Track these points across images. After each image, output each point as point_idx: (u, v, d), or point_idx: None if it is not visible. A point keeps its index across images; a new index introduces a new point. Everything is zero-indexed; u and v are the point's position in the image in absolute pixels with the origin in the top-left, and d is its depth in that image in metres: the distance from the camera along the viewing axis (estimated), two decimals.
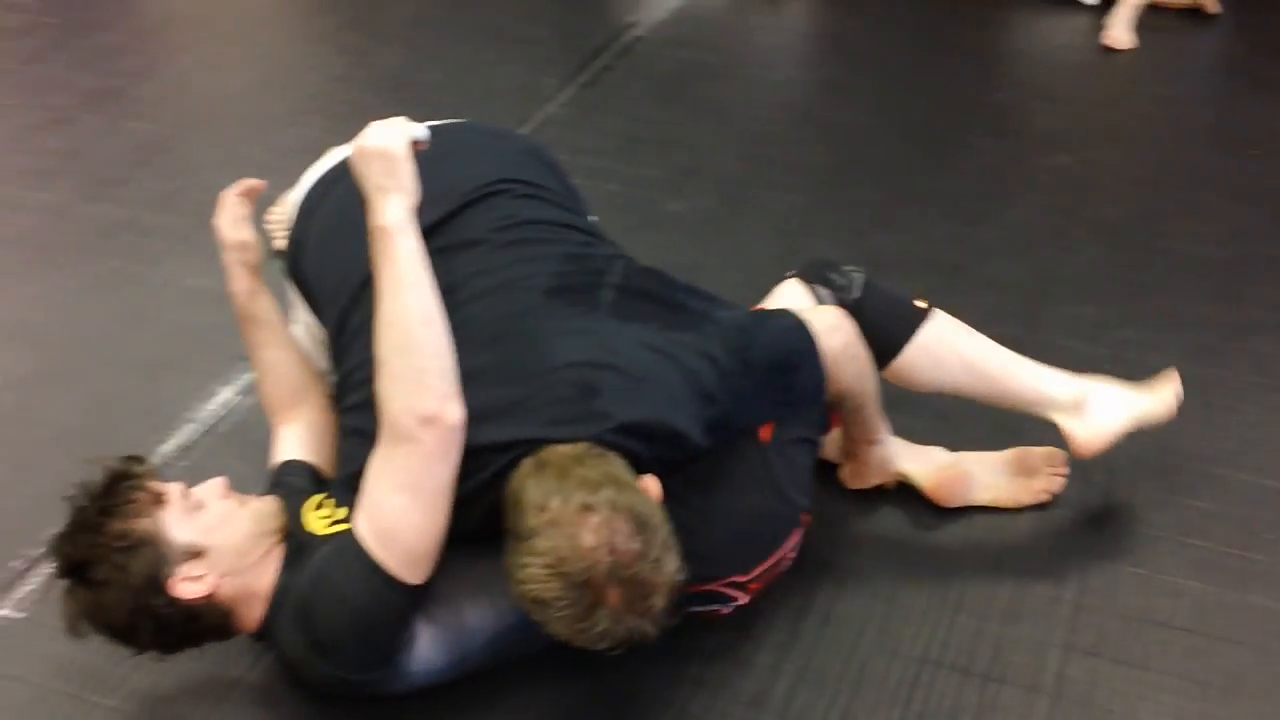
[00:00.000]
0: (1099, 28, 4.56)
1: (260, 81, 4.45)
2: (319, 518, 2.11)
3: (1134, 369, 2.83)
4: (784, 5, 4.92)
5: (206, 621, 2.05)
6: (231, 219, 2.38)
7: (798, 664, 2.22)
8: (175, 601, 1.99)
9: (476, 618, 2.07)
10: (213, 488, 2.11)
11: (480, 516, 1.97)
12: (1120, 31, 4.50)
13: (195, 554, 2.01)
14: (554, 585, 1.81)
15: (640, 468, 1.98)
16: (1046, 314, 3.09)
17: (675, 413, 2.03)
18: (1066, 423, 2.39)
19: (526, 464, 1.92)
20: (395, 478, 1.94)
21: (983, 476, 2.51)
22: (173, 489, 2.06)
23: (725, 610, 2.21)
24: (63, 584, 2.02)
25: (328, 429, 2.37)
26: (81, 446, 2.75)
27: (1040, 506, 2.51)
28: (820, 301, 2.32)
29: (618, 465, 1.93)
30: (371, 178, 2.05)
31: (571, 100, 4.21)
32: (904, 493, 2.54)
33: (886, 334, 2.33)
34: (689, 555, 2.12)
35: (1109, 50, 4.49)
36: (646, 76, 4.38)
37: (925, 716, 2.12)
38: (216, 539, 2.03)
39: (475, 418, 1.96)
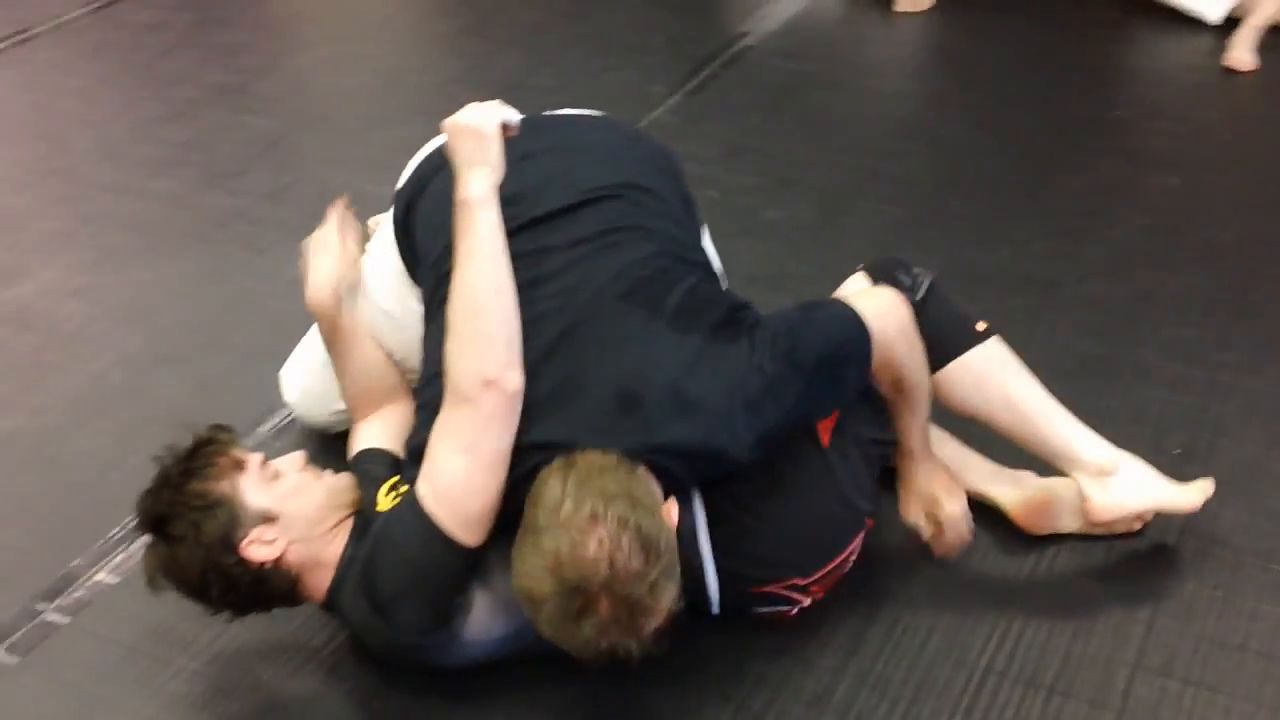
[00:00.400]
0: (1221, 48, 4.48)
1: (376, 82, 4.56)
2: (390, 500, 2.17)
3: (1229, 393, 2.82)
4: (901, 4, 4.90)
5: (274, 585, 2.12)
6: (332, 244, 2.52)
7: (861, 667, 2.23)
8: (245, 563, 2.08)
9: None
10: (292, 460, 2.21)
11: (513, 513, 2.00)
12: (1242, 52, 4.43)
13: (268, 519, 2.10)
14: (548, 584, 1.85)
15: (683, 483, 2.01)
16: (1143, 334, 3.06)
17: (717, 434, 2.03)
18: (1087, 484, 2.34)
19: (557, 461, 1.96)
20: (455, 439, 2.01)
21: (1073, 503, 2.43)
22: (253, 457, 2.16)
23: (791, 611, 2.23)
24: (145, 541, 2.13)
25: (408, 421, 2.41)
26: (185, 421, 2.86)
27: (1128, 534, 2.47)
28: None
29: (643, 484, 1.96)
30: (461, 152, 2.12)
31: (678, 107, 4.25)
32: (982, 510, 2.52)
33: (938, 344, 2.31)
34: (749, 558, 2.17)
35: (1230, 71, 4.41)
36: (754, 86, 4.41)
37: None
38: (289, 506, 2.12)
39: (521, 416, 2.02)
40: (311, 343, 2.68)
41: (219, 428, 2.19)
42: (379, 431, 2.45)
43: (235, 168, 3.96)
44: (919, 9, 4.88)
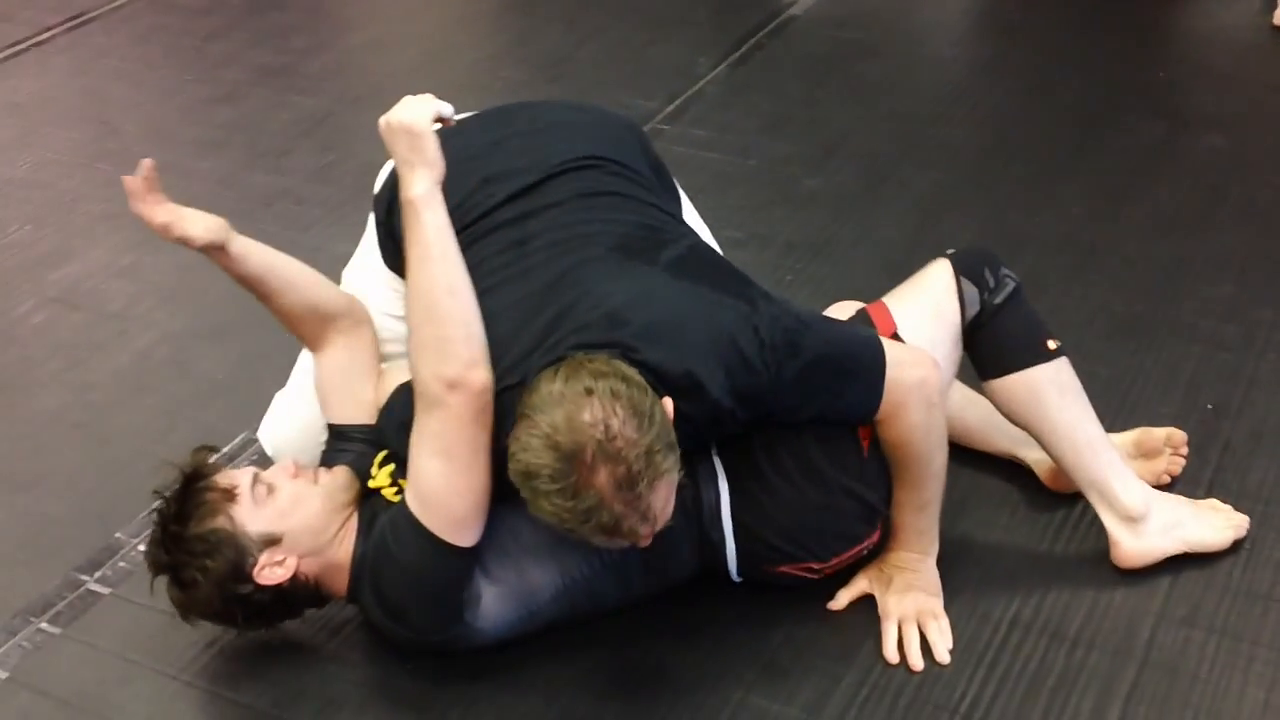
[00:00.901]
0: (1271, 7, 4.42)
1: (421, 60, 4.59)
2: (384, 475, 2.19)
3: (1264, 349, 2.80)
4: None
5: (297, 597, 2.16)
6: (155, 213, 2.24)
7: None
8: (262, 588, 2.11)
9: (541, 574, 2.14)
10: (283, 469, 2.18)
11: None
12: None
13: (273, 541, 2.10)
14: (545, 457, 1.84)
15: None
16: (1182, 293, 3.03)
17: (701, 364, 1.99)
18: (1115, 529, 2.28)
19: (547, 369, 1.95)
20: (430, 444, 1.99)
21: None
22: (243, 481, 2.13)
23: (815, 576, 2.24)
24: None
25: (368, 354, 2.36)
26: (226, 399, 2.93)
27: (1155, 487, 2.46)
28: (962, 295, 2.26)
29: (635, 372, 1.92)
30: (397, 152, 2.08)
31: (722, 79, 4.25)
32: (1010, 468, 2.52)
33: (1006, 351, 2.26)
34: (768, 541, 2.18)
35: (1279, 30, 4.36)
36: (798, 56, 4.40)
37: (1009, 678, 2.13)
38: (291, 523, 2.12)
39: (518, 363, 2.02)
40: (286, 400, 2.62)
41: (203, 450, 2.20)
42: (342, 392, 2.35)
43: (281, 147, 4.01)
44: None
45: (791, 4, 4.74)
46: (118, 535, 2.59)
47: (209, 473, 2.14)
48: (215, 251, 2.25)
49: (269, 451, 2.64)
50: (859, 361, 2.09)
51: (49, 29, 4.85)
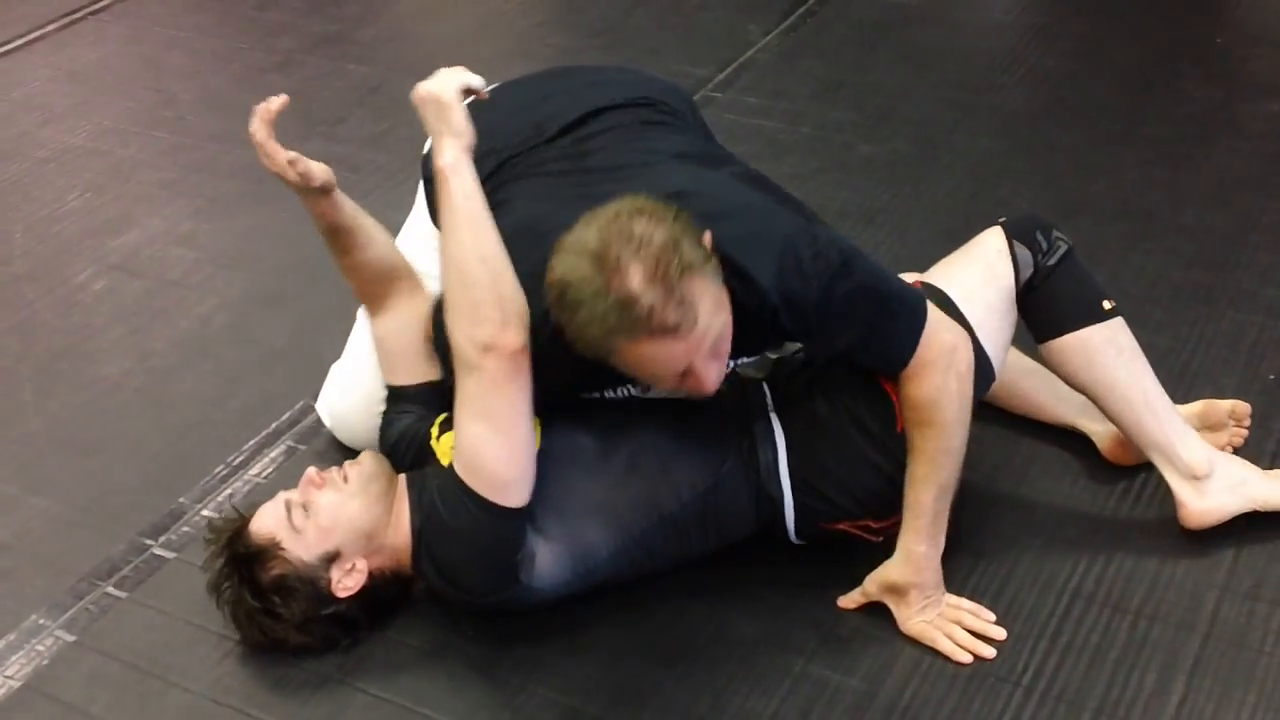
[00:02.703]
0: None
1: (473, 27, 4.59)
2: (444, 443, 2.21)
3: None
4: None
5: (387, 592, 2.21)
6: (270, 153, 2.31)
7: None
8: (348, 600, 2.15)
9: (597, 532, 2.15)
10: (308, 485, 2.19)
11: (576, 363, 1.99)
12: None
13: (333, 557, 2.14)
14: (575, 263, 1.85)
15: None
16: (1241, 261, 3.01)
17: (755, 252, 1.98)
18: (1180, 488, 2.26)
19: None
20: (470, 407, 2.02)
21: None
22: (277, 514, 2.15)
23: (877, 538, 2.24)
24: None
25: (422, 314, 2.39)
26: (286, 365, 2.96)
27: None
28: (1016, 259, 2.25)
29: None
30: (428, 121, 2.10)
31: (774, 45, 4.23)
32: (1070, 438, 2.52)
33: (1061, 312, 2.26)
34: (826, 496, 2.19)
35: None
36: (851, 21, 4.37)
37: (1072, 650, 2.12)
38: (340, 536, 2.15)
39: None
40: (343, 371, 2.66)
41: (226, 522, 2.23)
42: (404, 353, 2.39)
43: (336, 115, 4.02)
44: None
45: None
46: (181, 500, 2.62)
47: (244, 527, 2.18)
48: (321, 197, 2.31)
49: (327, 423, 2.67)
50: (903, 304, 2.09)
51: None
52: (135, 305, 3.24)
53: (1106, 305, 2.27)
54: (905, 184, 3.47)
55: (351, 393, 2.60)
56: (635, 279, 1.82)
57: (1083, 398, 2.41)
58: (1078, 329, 2.25)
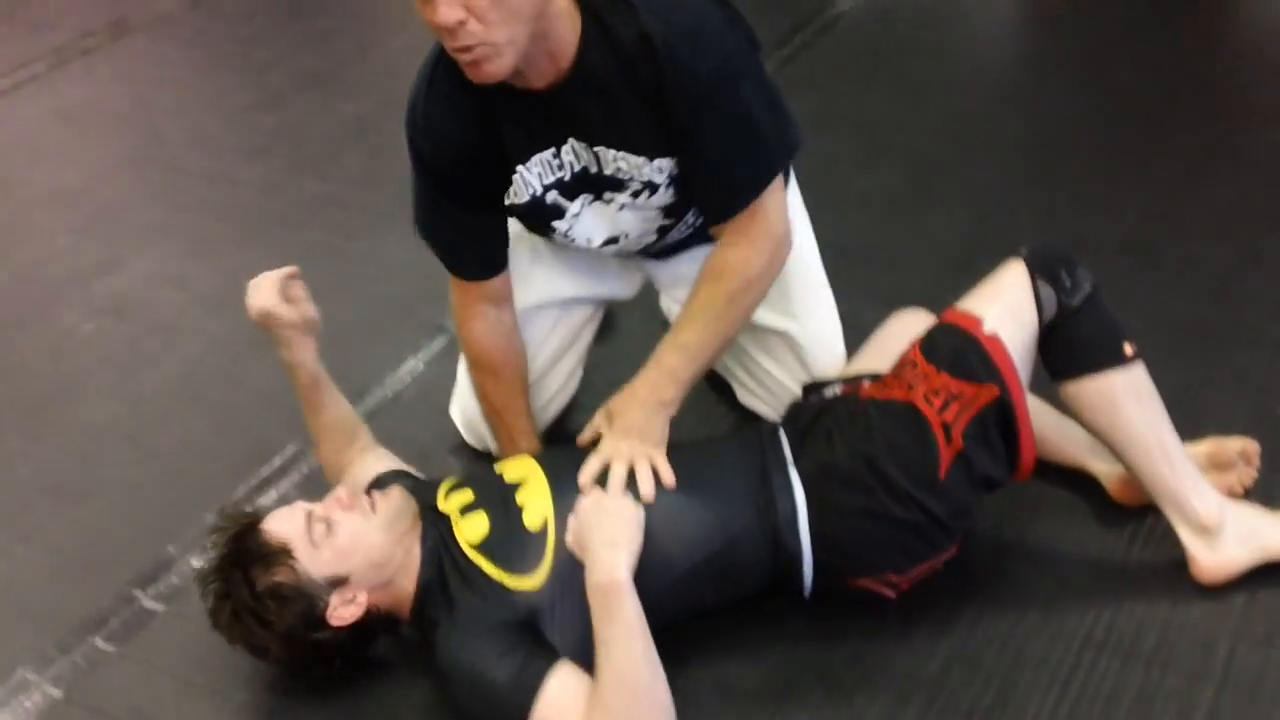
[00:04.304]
0: None
1: None
2: (455, 501, 2.19)
3: None
4: None
5: (373, 629, 2.16)
6: (293, 297, 2.36)
7: (956, 642, 2.18)
8: (338, 630, 2.09)
9: None
10: (336, 503, 2.13)
11: None
12: None
13: (339, 582, 2.08)
14: None
15: None
16: (1244, 295, 2.96)
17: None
18: (1192, 542, 2.21)
19: None
20: None
21: None
22: (296, 522, 2.09)
23: (890, 593, 2.19)
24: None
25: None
26: (276, 409, 2.91)
27: None
28: (1039, 296, 2.18)
29: None
30: (603, 531, 2.04)
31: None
32: (1078, 479, 2.47)
33: (1082, 353, 2.20)
34: (847, 553, 2.15)
35: None
36: (846, 53, 4.35)
37: (1084, 699, 2.07)
38: (354, 560, 2.08)
39: None
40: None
41: (236, 508, 2.21)
42: (376, 459, 2.42)
43: (326, 152, 3.99)
44: None
45: (837, 1, 4.68)
46: (170, 549, 2.57)
47: (257, 523, 2.12)
48: (310, 338, 2.39)
49: (460, 425, 2.72)
50: (765, 146, 2.19)
51: (93, 35, 4.85)
52: (124, 348, 3.19)
53: (1128, 350, 2.20)
54: (904, 217, 3.43)
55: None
56: None
57: (1090, 437, 2.37)
58: (1098, 373, 2.19)
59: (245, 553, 2.08)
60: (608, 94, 2.12)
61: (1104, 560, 2.33)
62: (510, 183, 2.26)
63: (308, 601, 2.06)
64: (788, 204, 2.28)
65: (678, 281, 2.50)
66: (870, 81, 4.17)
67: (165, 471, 2.79)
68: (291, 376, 2.41)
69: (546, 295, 2.56)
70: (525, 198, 2.27)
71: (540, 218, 2.33)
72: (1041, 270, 2.19)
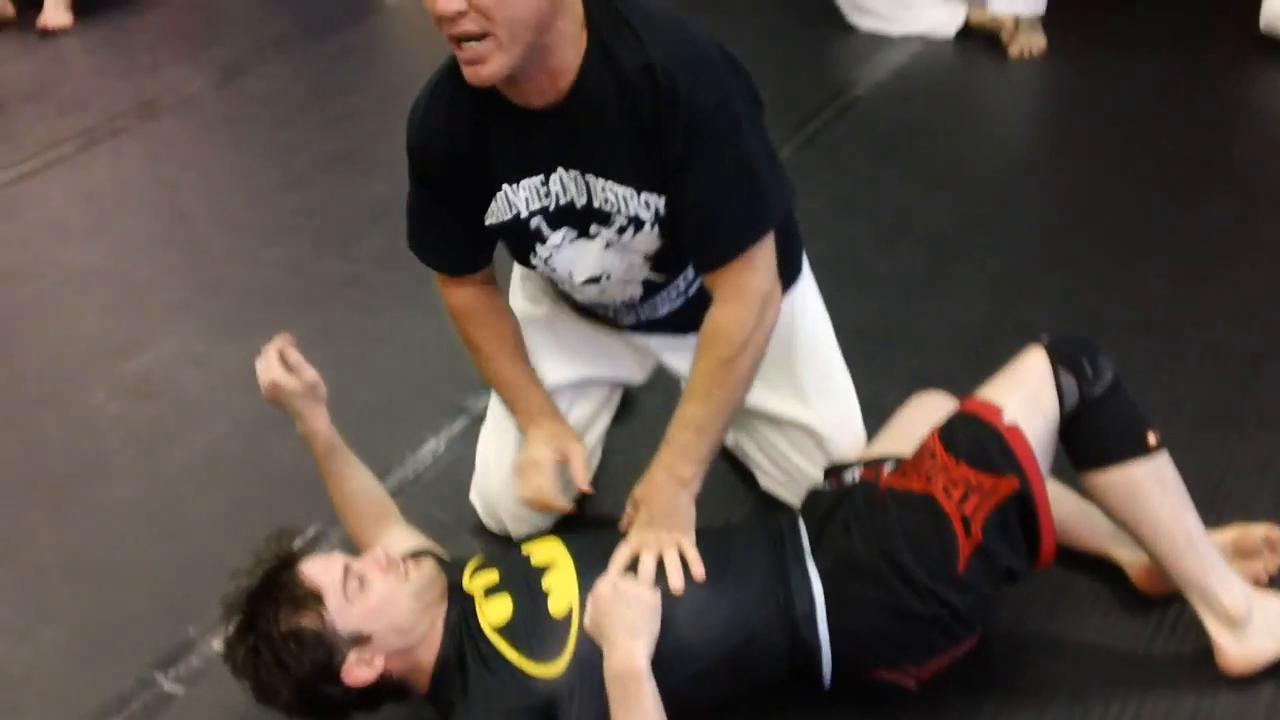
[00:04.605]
0: None
1: None
2: (480, 581, 2.19)
3: None
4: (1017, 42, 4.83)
5: (381, 694, 2.14)
6: (294, 363, 2.38)
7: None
8: (349, 688, 2.08)
9: None
10: (373, 562, 2.14)
11: None
12: None
13: (362, 640, 2.07)
14: None
15: None
16: (1267, 379, 2.96)
17: (653, 30, 2.09)
18: (1219, 633, 2.20)
19: None
20: None
21: None
22: (334, 573, 2.09)
23: (910, 684, 2.18)
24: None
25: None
26: (297, 489, 2.91)
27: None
28: (1061, 386, 2.17)
29: None
30: (624, 618, 2.05)
31: (788, 160, 4.14)
32: (1101, 566, 2.45)
33: (1105, 444, 2.18)
34: (866, 646, 2.14)
35: None
36: (864, 135, 4.38)
37: None
38: (381, 622, 2.07)
39: None
40: (486, 449, 2.70)
41: (284, 538, 2.19)
42: (408, 534, 2.43)
43: (350, 233, 4.02)
44: (1033, 53, 4.81)
45: (855, 84, 4.73)
46: (190, 630, 2.57)
47: (295, 563, 2.12)
48: (321, 405, 2.39)
49: (480, 510, 2.72)
50: (768, 188, 2.18)
51: (122, 117, 4.92)
52: (148, 428, 3.21)
53: (1152, 440, 2.19)
54: (923, 299, 3.44)
55: (501, 469, 2.61)
56: None
57: (1112, 525, 2.36)
58: (1122, 463, 2.17)
59: (278, 589, 2.08)
60: (604, 120, 2.13)
61: (1128, 650, 2.31)
62: (493, 199, 2.27)
63: (327, 652, 2.05)
64: (775, 265, 2.25)
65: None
66: (888, 163, 4.20)
67: (186, 552, 2.80)
68: (310, 447, 2.41)
69: (558, 379, 2.57)
70: (507, 217, 2.27)
71: (521, 240, 2.32)
72: (1063, 359, 2.18)
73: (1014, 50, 4.82)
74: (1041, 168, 4.12)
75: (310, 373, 2.36)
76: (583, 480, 2.38)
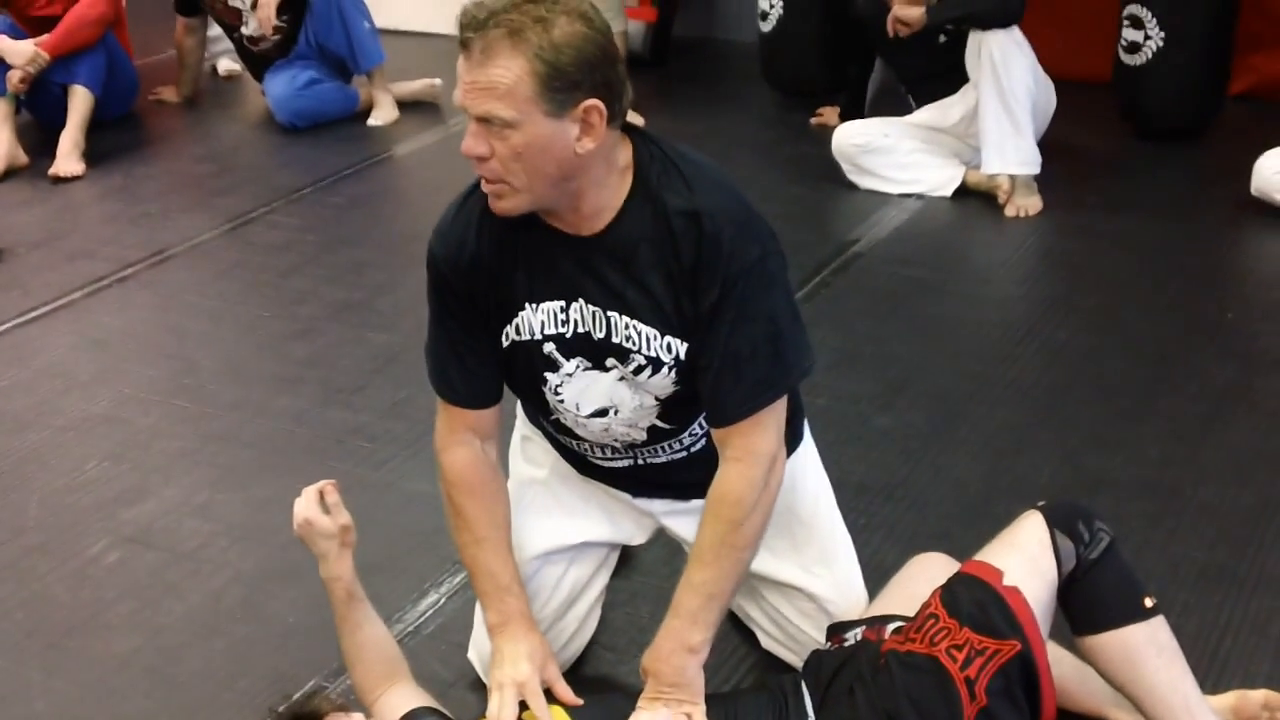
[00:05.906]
0: None
1: None
2: None
3: None
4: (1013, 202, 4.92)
5: None
6: (331, 505, 2.39)
7: None
8: None
9: None
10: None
11: None
12: None
13: None
14: None
15: None
16: (1265, 541, 2.98)
17: (703, 183, 2.15)
18: None
19: None
20: None
21: None
22: None
23: None
24: None
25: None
26: (298, 643, 2.91)
27: None
28: (1058, 550, 2.19)
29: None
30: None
31: None
32: None
33: (1101, 607, 2.20)
34: None
35: None
36: (864, 292, 4.44)
37: None
38: None
39: None
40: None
41: (316, 696, 2.22)
42: (410, 695, 2.40)
43: (355, 383, 4.05)
44: (1028, 214, 4.90)
45: (856, 241, 4.80)
46: None
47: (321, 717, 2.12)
48: (348, 552, 2.40)
49: (479, 669, 2.68)
50: (789, 355, 2.22)
51: (131, 265, 4.98)
52: (148, 579, 3.20)
53: (1148, 603, 2.20)
54: (923, 457, 3.46)
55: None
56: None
57: (1111, 690, 2.35)
58: (1118, 627, 2.18)
59: None
60: (636, 260, 2.16)
61: None
62: (515, 315, 2.27)
63: None
64: (784, 427, 2.28)
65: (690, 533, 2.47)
66: (888, 320, 4.25)
67: (183, 706, 2.78)
68: (329, 592, 2.41)
69: (555, 542, 2.56)
70: (523, 337, 2.28)
71: (532, 366, 2.31)
72: (1059, 523, 2.21)
73: (1010, 210, 4.91)
74: (1039, 326, 4.16)
75: (345, 517, 2.37)
76: (571, 698, 2.34)
